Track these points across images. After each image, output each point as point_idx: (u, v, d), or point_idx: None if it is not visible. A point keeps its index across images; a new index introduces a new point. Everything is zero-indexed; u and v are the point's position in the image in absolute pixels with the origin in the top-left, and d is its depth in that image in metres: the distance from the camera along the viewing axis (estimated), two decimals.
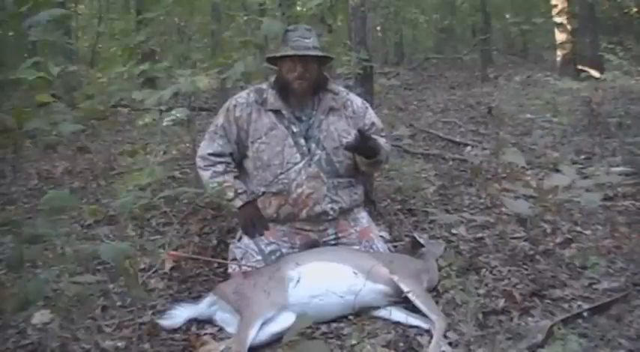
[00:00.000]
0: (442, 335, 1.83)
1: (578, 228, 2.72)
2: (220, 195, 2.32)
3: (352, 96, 2.54)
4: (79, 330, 1.95)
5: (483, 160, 3.84)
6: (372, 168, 2.47)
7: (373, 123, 2.51)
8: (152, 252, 2.47)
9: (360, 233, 2.38)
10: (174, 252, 2.47)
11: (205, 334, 1.98)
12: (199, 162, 2.43)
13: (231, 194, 2.35)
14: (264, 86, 2.44)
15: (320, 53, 2.37)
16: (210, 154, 2.40)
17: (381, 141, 2.43)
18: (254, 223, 2.34)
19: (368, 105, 2.58)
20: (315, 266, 2.06)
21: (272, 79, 2.46)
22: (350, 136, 2.39)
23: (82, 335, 1.93)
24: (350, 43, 3.30)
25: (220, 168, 2.38)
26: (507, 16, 13.96)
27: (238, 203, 2.36)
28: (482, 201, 3.23)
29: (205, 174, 2.39)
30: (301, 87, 2.34)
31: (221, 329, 2.00)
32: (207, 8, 5.86)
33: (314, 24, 3.33)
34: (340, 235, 2.37)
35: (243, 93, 2.44)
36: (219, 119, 2.42)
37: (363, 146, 2.26)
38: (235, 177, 2.40)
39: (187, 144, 4.07)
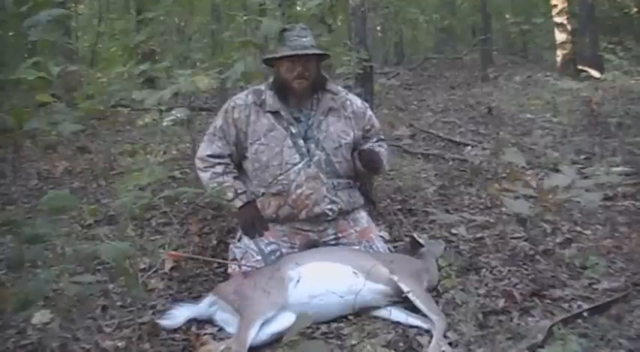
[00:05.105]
0: (442, 335, 1.84)
1: (578, 228, 2.72)
2: (220, 195, 2.32)
3: (351, 96, 2.54)
4: (79, 330, 1.96)
5: (483, 160, 3.85)
6: (370, 176, 2.50)
7: (373, 125, 2.52)
8: (152, 252, 2.47)
9: (360, 233, 2.38)
10: (174, 252, 2.47)
11: (205, 334, 1.98)
12: (199, 164, 2.43)
13: (230, 194, 2.35)
14: (262, 87, 2.43)
15: (319, 51, 2.38)
16: (209, 156, 2.39)
17: (382, 149, 2.46)
18: (254, 223, 2.34)
19: (367, 105, 2.59)
20: (315, 266, 2.06)
21: (270, 79, 2.46)
22: (349, 137, 2.40)
23: (82, 335, 1.94)
24: (350, 43, 3.29)
25: (219, 169, 2.38)
26: (507, 16, 13.96)
27: (238, 203, 2.37)
28: (482, 201, 3.23)
29: (205, 176, 2.39)
30: (301, 86, 2.34)
31: (221, 329, 2.00)
32: (207, 8, 5.87)
33: (314, 24, 3.33)
34: (340, 235, 2.37)
35: (242, 95, 2.43)
36: (218, 121, 2.42)
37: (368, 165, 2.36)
38: (235, 178, 2.40)
39: (187, 144, 4.07)
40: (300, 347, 1.63)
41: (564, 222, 2.78)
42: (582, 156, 3.92)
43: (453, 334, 1.87)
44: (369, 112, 2.54)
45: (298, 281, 1.99)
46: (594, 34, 8.25)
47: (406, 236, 2.70)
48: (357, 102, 2.51)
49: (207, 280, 2.42)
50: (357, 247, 2.33)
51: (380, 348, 1.81)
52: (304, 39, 2.33)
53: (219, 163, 2.39)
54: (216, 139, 2.40)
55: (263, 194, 2.34)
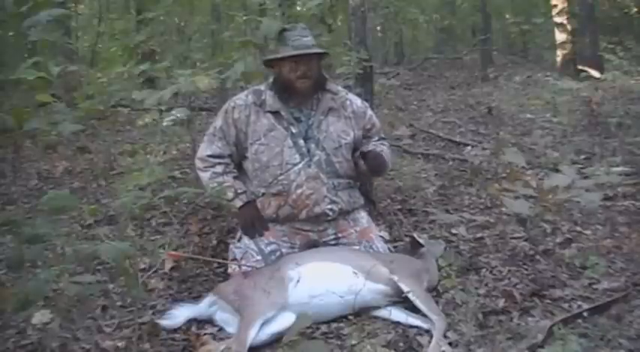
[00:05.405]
0: (442, 335, 1.83)
1: (578, 228, 2.72)
2: (220, 195, 2.32)
3: (351, 96, 2.54)
4: (79, 330, 1.96)
5: (483, 160, 3.85)
6: (372, 177, 2.51)
7: (373, 124, 2.52)
8: (152, 252, 2.47)
9: (360, 233, 2.38)
10: (174, 252, 2.47)
11: (205, 334, 1.98)
12: (198, 164, 2.43)
13: (230, 194, 2.35)
14: (262, 87, 2.43)
15: (321, 50, 2.39)
16: (209, 156, 2.39)
17: (385, 148, 2.46)
18: (254, 223, 2.34)
19: (367, 105, 2.59)
20: (315, 266, 2.06)
21: (270, 80, 2.46)
22: (349, 137, 2.40)
23: (82, 335, 1.94)
24: (350, 43, 3.30)
25: (219, 169, 2.38)
26: (507, 16, 13.97)
27: (238, 203, 2.37)
28: (482, 201, 3.23)
29: (205, 176, 2.39)
30: (304, 85, 2.34)
31: (221, 329, 2.00)
32: (207, 8, 5.87)
33: (314, 24, 3.33)
34: (340, 235, 2.36)
35: (242, 95, 2.44)
36: (218, 121, 2.42)
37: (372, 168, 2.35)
38: (235, 178, 2.40)
39: (187, 144, 4.07)
40: (300, 347, 1.63)
41: (564, 222, 2.78)
42: (582, 156, 3.92)
43: (453, 334, 1.87)
44: (369, 112, 2.54)
45: (298, 281, 1.99)
46: (594, 34, 8.25)
47: (406, 236, 2.70)
48: (357, 101, 2.51)
49: (207, 280, 2.41)
50: (357, 247, 2.33)
51: (380, 348, 1.81)
52: (305, 39, 2.33)
53: (219, 163, 2.39)
54: (216, 139, 2.40)
55: (263, 194, 2.34)
